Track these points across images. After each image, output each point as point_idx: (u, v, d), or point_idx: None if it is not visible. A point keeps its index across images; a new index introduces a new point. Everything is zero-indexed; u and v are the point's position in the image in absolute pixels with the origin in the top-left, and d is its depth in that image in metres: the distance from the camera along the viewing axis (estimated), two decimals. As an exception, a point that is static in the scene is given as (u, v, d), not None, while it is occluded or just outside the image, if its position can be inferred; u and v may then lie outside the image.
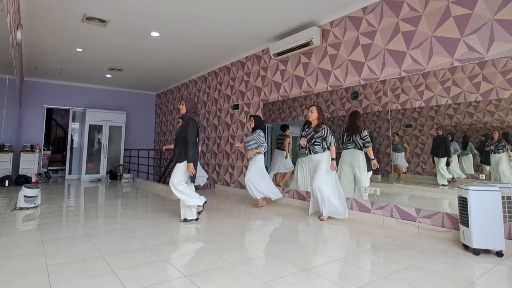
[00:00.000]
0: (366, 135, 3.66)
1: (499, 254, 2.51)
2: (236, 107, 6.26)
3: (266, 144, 4.57)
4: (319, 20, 4.51)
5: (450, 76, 3.18)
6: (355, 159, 3.80)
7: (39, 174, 7.93)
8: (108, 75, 8.07)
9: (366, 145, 3.64)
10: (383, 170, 3.84)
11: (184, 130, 3.61)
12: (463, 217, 2.66)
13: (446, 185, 3.40)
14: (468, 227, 2.58)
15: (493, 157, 3.06)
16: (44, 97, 8.60)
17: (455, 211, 2.94)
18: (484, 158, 3.09)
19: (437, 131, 3.41)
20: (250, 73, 5.96)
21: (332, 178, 3.71)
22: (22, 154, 7.60)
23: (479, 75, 2.98)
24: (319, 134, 3.72)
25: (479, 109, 3.00)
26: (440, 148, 3.40)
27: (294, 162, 5.13)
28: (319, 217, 3.80)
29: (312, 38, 4.43)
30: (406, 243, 2.90)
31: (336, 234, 3.20)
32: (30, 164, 7.64)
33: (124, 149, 9.44)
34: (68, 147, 9.03)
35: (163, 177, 7.56)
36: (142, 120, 10.19)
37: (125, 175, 8.32)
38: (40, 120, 8.52)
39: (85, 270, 2.15)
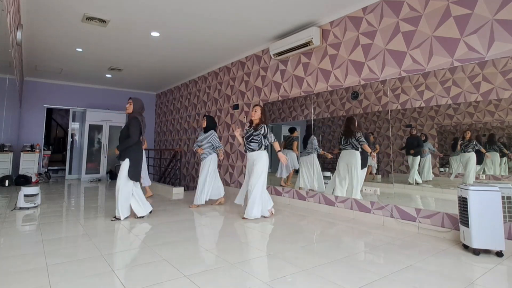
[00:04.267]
0: (360, 136, 4.03)
1: (499, 254, 2.51)
2: (236, 107, 6.26)
3: (221, 145, 4.84)
4: (319, 20, 4.51)
5: (450, 76, 3.18)
6: (352, 158, 4.09)
7: (39, 174, 7.93)
8: (108, 75, 8.06)
9: (361, 143, 4.03)
10: (383, 170, 3.85)
11: (127, 128, 3.68)
12: (463, 217, 2.66)
13: (419, 184, 3.52)
14: (468, 227, 2.58)
15: (462, 156, 3.19)
16: (44, 97, 8.59)
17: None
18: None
19: (410, 131, 3.52)
20: (250, 73, 5.96)
21: (263, 179, 3.85)
22: (22, 154, 7.59)
23: (479, 75, 2.98)
24: (257, 132, 3.86)
25: (479, 109, 3.00)
26: (413, 148, 3.55)
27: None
28: (242, 217, 3.81)
29: (312, 38, 4.43)
30: (406, 243, 2.90)
31: (339, 235, 3.21)
32: (30, 164, 7.63)
33: (124, 149, 9.41)
34: (68, 147, 9.03)
35: (163, 177, 7.55)
36: (142, 120, 10.19)
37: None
38: (40, 120, 8.51)
39: (85, 270, 2.16)
